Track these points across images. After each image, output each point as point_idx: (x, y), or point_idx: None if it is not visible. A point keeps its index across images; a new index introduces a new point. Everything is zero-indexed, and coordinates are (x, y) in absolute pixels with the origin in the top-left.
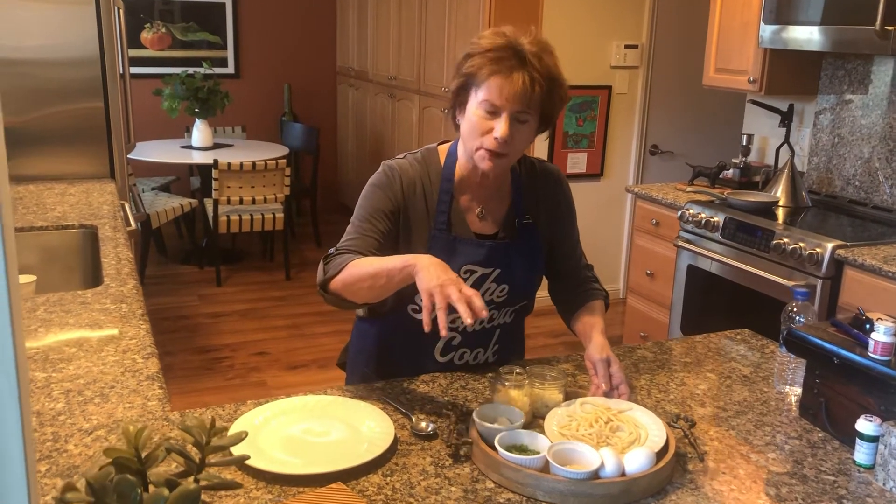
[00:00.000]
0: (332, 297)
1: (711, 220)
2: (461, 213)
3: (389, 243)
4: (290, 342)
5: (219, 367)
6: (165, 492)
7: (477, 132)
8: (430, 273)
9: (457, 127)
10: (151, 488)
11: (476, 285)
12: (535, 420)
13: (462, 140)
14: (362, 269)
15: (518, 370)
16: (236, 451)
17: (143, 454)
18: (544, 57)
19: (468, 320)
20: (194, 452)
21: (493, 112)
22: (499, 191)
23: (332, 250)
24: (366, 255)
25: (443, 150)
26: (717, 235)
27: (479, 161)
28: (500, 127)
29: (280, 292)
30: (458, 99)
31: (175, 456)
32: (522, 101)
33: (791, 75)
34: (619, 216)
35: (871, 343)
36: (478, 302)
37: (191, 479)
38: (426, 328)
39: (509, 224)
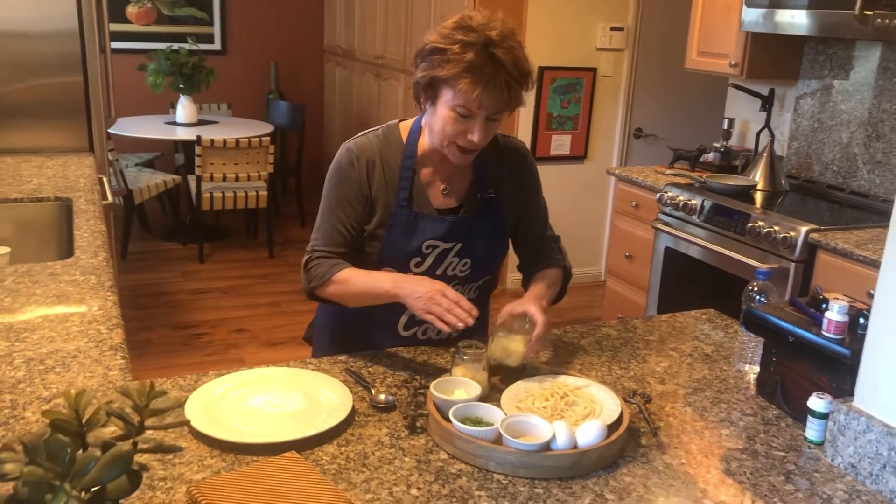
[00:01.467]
0: (321, 300)
1: (690, 203)
2: (423, 189)
3: (362, 227)
4: (270, 319)
5: (197, 344)
6: (98, 453)
7: (450, 131)
8: (415, 296)
9: (420, 108)
10: (89, 450)
11: (438, 260)
12: (492, 394)
13: (430, 130)
14: (349, 288)
15: (478, 344)
16: (191, 417)
17: (85, 418)
18: (515, 52)
19: (461, 325)
20: (135, 416)
21: (468, 116)
22: (461, 167)
23: (308, 250)
24: (342, 255)
25: (404, 126)
26: (695, 218)
27: (451, 155)
28: (478, 132)
29: (263, 270)
30: (427, 92)
31: (119, 420)
32: (499, 107)
33: (772, 59)
34: (603, 198)
35: (825, 322)
36: (465, 304)
37: (128, 441)
38: (447, 330)
39: (471, 198)
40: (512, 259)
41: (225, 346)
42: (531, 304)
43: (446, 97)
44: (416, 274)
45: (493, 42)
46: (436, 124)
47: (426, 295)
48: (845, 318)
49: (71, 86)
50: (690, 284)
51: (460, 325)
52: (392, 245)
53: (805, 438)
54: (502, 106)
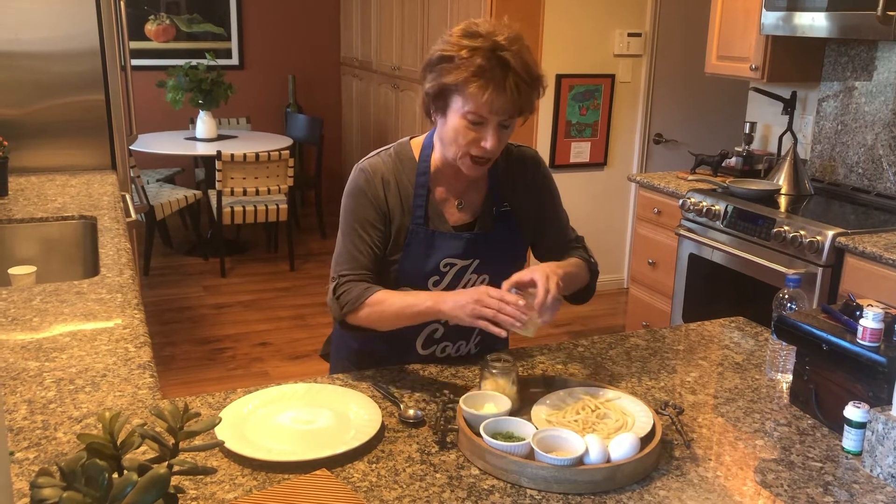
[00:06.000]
0: (352, 328)
1: (713, 208)
2: (437, 206)
3: (385, 246)
4: (293, 332)
5: (221, 358)
6: (135, 476)
7: (462, 140)
8: (459, 306)
9: (431, 121)
10: (126, 474)
11: (456, 278)
12: (522, 407)
13: (442, 142)
14: (385, 309)
15: (505, 357)
16: (221, 435)
17: (119, 440)
18: (524, 55)
19: (518, 324)
20: (169, 438)
21: (480, 122)
22: (475, 180)
23: (334, 277)
24: (369, 278)
25: (416, 143)
26: (719, 224)
27: (464, 167)
28: (490, 138)
29: (284, 283)
30: (437, 103)
31: (154, 442)
32: (510, 111)
33: (793, 62)
34: (623, 205)
35: (860, 329)
36: (510, 297)
37: (164, 464)
38: (503, 334)
39: (486, 212)
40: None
41: (248, 360)
42: (538, 272)
43: (456, 105)
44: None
45: (501, 46)
46: (447, 135)
47: (472, 301)
48: (881, 326)
49: (93, 104)
50: (715, 291)
51: (517, 324)
52: (409, 264)
53: (842, 448)
54: (513, 110)
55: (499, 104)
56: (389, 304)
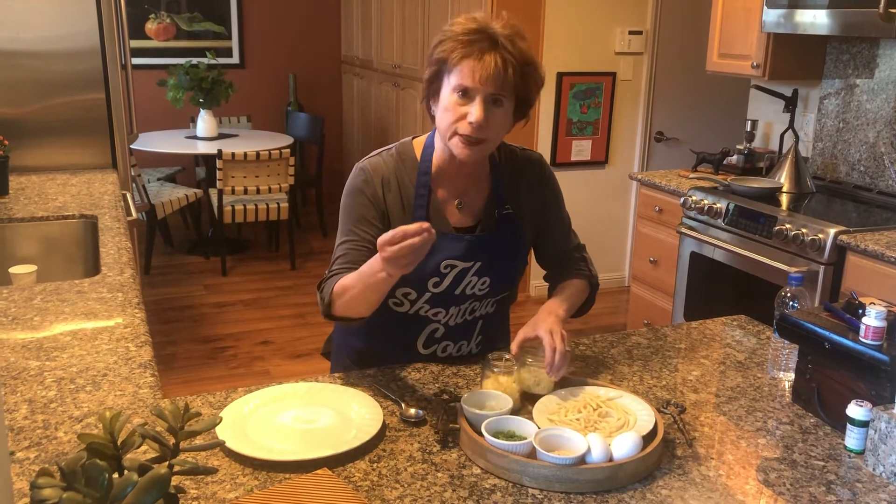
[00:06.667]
0: (340, 319)
1: (714, 206)
2: (439, 207)
3: None
4: (294, 331)
5: (222, 357)
6: (135, 476)
7: (452, 118)
8: (395, 271)
9: (432, 118)
10: (126, 474)
11: (457, 280)
12: (524, 406)
13: (438, 128)
14: (351, 294)
15: (507, 356)
16: (222, 434)
17: (119, 440)
18: (517, 40)
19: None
20: (170, 438)
21: (467, 96)
22: (477, 180)
23: (327, 273)
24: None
25: (418, 143)
26: (720, 222)
27: (455, 149)
28: (475, 110)
29: (285, 282)
30: (432, 88)
31: (154, 442)
32: (496, 83)
33: (795, 60)
34: (625, 204)
35: (863, 328)
36: (410, 230)
37: (164, 464)
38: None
39: (488, 215)
40: (534, 268)
41: (250, 359)
42: (542, 327)
43: (446, 83)
44: (434, 294)
45: (492, 27)
46: (440, 117)
47: (387, 262)
48: (883, 324)
49: (93, 103)
50: (717, 289)
51: (427, 242)
52: None
53: (844, 447)
54: (499, 83)
55: (483, 72)
56: (350, 287)
